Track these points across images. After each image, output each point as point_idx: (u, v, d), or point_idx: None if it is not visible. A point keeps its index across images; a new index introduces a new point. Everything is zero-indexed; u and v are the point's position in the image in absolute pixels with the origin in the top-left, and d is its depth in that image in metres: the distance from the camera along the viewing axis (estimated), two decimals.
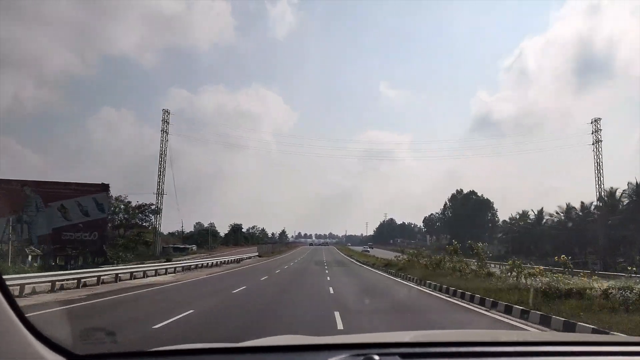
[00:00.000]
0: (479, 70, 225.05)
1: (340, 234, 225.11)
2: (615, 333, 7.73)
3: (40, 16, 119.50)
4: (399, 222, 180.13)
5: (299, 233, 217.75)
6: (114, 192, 43.92)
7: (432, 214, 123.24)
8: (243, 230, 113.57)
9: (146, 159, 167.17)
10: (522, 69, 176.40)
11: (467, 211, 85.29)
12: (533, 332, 8.95)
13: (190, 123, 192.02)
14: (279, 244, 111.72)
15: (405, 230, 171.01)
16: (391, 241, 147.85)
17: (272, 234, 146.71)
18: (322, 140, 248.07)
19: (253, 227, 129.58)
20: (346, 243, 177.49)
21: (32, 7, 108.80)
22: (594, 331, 8.14)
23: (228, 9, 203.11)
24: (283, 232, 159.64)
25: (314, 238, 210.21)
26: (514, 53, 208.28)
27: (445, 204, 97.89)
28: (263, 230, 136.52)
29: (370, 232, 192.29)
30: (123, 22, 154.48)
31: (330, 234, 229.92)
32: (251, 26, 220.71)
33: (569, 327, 8.84)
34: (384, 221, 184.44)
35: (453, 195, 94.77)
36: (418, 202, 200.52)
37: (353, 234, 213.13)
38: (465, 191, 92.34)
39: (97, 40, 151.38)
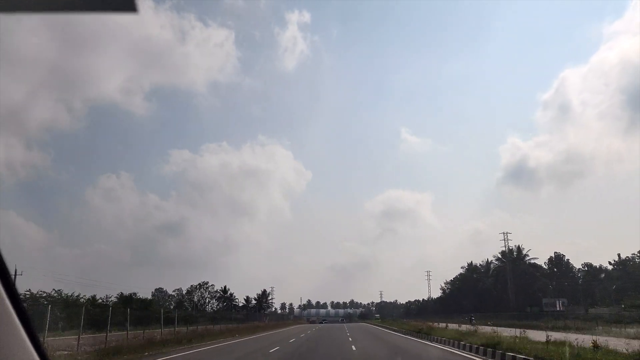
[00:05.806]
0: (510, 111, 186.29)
1: (366, 301, 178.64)
2: None
3: (15, 59, 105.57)
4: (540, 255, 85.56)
5: (308, 301, 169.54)
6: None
7: None
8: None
9: (149, 229, 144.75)
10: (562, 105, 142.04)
11: None
12: None
13: (194, 186, 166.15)
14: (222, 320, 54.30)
15: (565, 275, 78.09)
16: (547, 305, 62.55)
17: (247, 298, 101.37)
18: (337, 200, 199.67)
19: (204, 282, 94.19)
20: (375, 314, 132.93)
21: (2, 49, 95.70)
22: None
23: (231, 41, 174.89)
24: (264, 294, 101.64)
25: (329, 308, 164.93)
26: (553, 86, 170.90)
27: None
28: (228, 293, 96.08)
29: (437, 292, 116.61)
30: (113, 65, 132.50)
31: (352, 301, 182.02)
32: (256, 66, 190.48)
33: None
34: (486, 261, 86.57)
35: None
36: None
37: (388, 301, 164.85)
38: None
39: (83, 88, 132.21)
